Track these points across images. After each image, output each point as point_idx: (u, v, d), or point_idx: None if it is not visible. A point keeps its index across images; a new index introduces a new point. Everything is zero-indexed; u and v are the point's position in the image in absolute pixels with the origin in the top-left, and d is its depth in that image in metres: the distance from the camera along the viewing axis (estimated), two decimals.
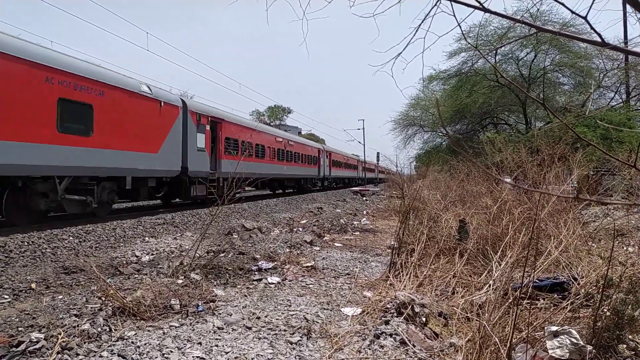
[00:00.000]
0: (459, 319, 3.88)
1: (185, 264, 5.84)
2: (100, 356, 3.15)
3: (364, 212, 16.53)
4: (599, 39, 2.21)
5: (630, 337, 3.08)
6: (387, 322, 3.72)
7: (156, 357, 3.15)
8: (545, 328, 3.05)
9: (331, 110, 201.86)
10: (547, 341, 2.91)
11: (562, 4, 2.28)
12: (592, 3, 2.17)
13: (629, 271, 3.59)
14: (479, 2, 2.29)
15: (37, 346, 3.19)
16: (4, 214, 9.11)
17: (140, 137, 12.15)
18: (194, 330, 3.70)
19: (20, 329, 3.62)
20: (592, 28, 2.17)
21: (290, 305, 4.50)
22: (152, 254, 7.38)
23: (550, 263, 4.57)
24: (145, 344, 3.36)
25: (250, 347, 3.38)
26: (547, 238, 5.19)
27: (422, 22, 2.66)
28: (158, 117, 13.04)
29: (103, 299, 4.20)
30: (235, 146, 18.51)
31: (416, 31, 2.73)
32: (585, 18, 2.16)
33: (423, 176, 17.40)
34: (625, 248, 5.29)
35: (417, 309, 3.82)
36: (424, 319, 3.78)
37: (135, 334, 3.57)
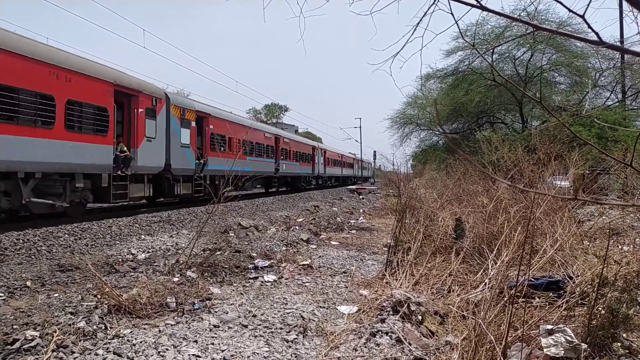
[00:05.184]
0: (455, 317, 3.89)
1: (181, 262, 5.82)
2: (96, 354, 3.14)
3: (361, 210, 16.55)
4: (595, 38, 2.21)
5: (624, 335, 3.10)
6: (383, 321, 3.73)
7: (152, 355, 3.14)
8: (541, 326, 3.06)
9: (329, 109, 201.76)
10: (542, 339, 2.92)
11: (560, 2, 2.28)
12: (590, 1, 2.17)
13: (624, 270, 3.60)
14: (477, 1, 2.28)
15: (32, 344, 3.17)
16: None
17: None
18: (189, 328, 3.70)
19: (15, 326, 3.60)
20: (589, 26, 2.17)
21: (286, 304, 4.50)
22: (148, 252, 7.35)
23: (545, 262, 4.59)
24: (141, 342, 3.35)
25: (246, 345, 3.38)
26: (542, 236, 5.21)
27: (420, 20, 2.66)
28: None
29: (99, 296, 4.18)
30: None
31: (414, 30, 2.73)
32: (582, 16, 2.16)
33: (420, 174, 17.40)
34: (620, 247, 5.31)
35: (413, 307, 3.82)
36: (420, 317, 3.79)
37: (131, 332, 3.56)
